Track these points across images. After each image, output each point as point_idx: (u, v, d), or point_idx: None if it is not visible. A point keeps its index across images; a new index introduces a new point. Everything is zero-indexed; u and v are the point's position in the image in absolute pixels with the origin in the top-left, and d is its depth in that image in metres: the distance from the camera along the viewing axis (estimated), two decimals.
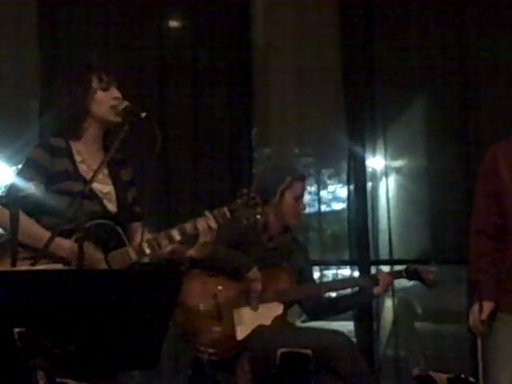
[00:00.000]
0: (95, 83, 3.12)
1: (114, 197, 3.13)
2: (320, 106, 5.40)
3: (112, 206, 3.12)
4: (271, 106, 5.54)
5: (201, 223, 3.11)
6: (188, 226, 3.11)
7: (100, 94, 3.11)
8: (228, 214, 3.17)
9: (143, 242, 3.04)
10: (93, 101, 3.11)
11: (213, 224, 3.11)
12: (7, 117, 5.07)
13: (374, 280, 4.04)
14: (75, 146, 3.14)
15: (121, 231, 3.09)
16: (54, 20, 5.11)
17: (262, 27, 5.52)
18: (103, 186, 3.12)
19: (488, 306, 3.31)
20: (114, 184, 3.16)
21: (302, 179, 4.10)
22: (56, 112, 3.22)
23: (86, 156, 3.14)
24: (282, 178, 4.02)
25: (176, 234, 3.09)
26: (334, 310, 4.19)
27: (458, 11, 5.20)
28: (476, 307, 3.33)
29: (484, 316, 3.30)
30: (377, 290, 4.03)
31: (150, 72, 5.18)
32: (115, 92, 3.12)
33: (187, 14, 5.34)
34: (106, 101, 3.10)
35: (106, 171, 3.15)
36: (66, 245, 2.95)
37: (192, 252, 3.13)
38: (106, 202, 3.11)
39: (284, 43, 5.50)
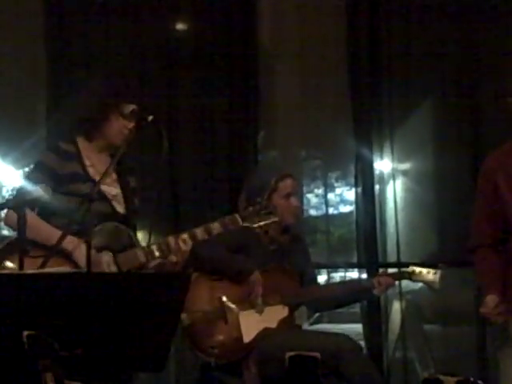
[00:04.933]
0: (123, 109, 3.16)
1: (121, 199, 3.18)
2: (327, 109, 5.39)
3: (120, 208, 3.17)
4: (277, 109, 5.53)
5: (209, 227, 3.14)
6: (199, 231, 3.13)
7: (120, 121, 3.16)
8: (240, 221, 3.19)
9: (153, 245, 3.05)
10: (109, 121, 3.16)
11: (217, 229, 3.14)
12: (14, 119, 5.07)
13: (375, 283, 4.02)
14: (85, 151, 3.20)
15: (130, 231, 3.11)
16: (61, 23, 5.11)
17: (267, 30, 5.52)
18: (111, 189, 3.16)
19: (492, 298, 3.22)
20: (122, 188, 3.18)
21: (287, 177, 4.03)
22: (72, 109, 3.27)
23: (96, 161, 3.19)
24: (266, 182, 4.01)
25: (187, 238, 3.10)
26: (334, 305, 4.19)
27: (467, 13, 5.18)
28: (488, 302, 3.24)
29: (490, 306, 3.20)
30: (376, 291, 4.03)
31: (154, 75, 5.18)
32: (131, 124, 3.15)
33: (193, 16, 5.34)
34: (118, 128, 3.16)
35: (114, 176, 3.21)
36: (71, 239, 2.98)
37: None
38: (114, 203, 3.14)
39: (290, 46, 5.50)
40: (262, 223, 3.27)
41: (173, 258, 3.10)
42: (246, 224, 3.24)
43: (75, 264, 2.99)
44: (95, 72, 4.90)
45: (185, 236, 3.11)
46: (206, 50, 5.24)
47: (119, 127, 3.16)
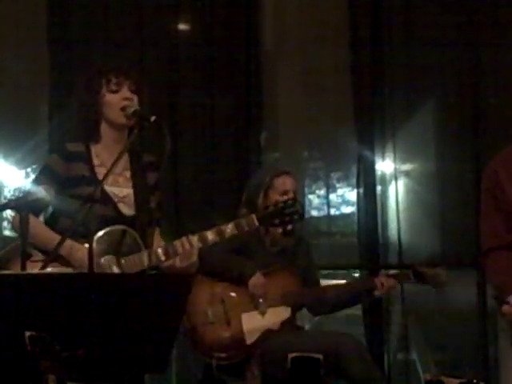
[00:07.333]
0: (104, 86, 3.11)
1: (131, 200, 3.10)
2: (329, 110, 5.38)
3: (128, 210, 3.09)
4: (280, 110, 5.52)
5: (219, 230, 3.05)
6: (210, 234, 3.04)
7: (109, 97, 3.10)
8: (256, 222, 3.10)
9: (159, 248, 3.02)
10: (103, 104, 3.10)
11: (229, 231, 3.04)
12: (17, 120, 5.07)
13: (378, 284, 4.00)
14: (95, 149, 3.14)
15: (136, 235, 3.06)
16: (65, 25, 5.11)
17: (270, 30, 5.51)
18: (121, 190, 3.10)
19: None
20: (135, 187, 3.13)
21: (283, 174, 4.02)
22: (69, 117, 3.21)
23: (106, 159, 3.11)
24: (261, 181, 3.99)
25: (196, 240, 3.03)
26: (335, 306, 4.17)
27: (468, 12, 5.18)
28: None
29: None
30: (377, 292, 4.01)
31: (158, 75, 5.18)
32: (125, 93, 3.11)
33: (194, 15, 5.34)
34: (116, 103, 3.09)
35: (127, 174, 3.14)
36: (80, 251, 2.95)
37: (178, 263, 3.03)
38: (121, 205, 3.08)
39: (293, 46, 5.50)
40: (280, 225, 3.15)
41: (177, 263, 3.01)
42: (262, 225, 3.15)
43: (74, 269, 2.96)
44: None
45: (194, 238, 3.02)
46: (207, 49, 5.24)
47: (110, 102, 3.08)
